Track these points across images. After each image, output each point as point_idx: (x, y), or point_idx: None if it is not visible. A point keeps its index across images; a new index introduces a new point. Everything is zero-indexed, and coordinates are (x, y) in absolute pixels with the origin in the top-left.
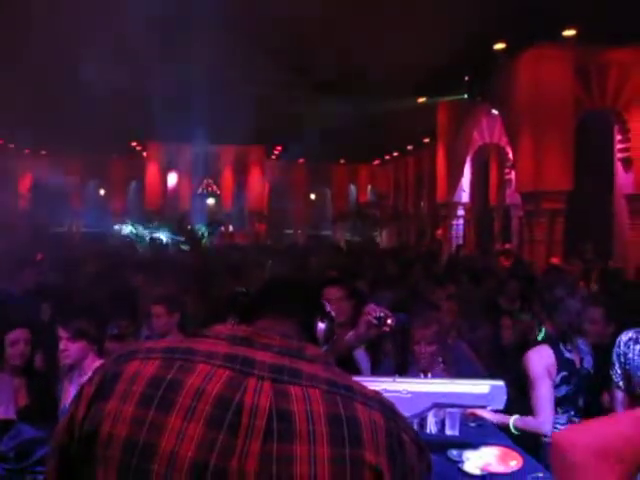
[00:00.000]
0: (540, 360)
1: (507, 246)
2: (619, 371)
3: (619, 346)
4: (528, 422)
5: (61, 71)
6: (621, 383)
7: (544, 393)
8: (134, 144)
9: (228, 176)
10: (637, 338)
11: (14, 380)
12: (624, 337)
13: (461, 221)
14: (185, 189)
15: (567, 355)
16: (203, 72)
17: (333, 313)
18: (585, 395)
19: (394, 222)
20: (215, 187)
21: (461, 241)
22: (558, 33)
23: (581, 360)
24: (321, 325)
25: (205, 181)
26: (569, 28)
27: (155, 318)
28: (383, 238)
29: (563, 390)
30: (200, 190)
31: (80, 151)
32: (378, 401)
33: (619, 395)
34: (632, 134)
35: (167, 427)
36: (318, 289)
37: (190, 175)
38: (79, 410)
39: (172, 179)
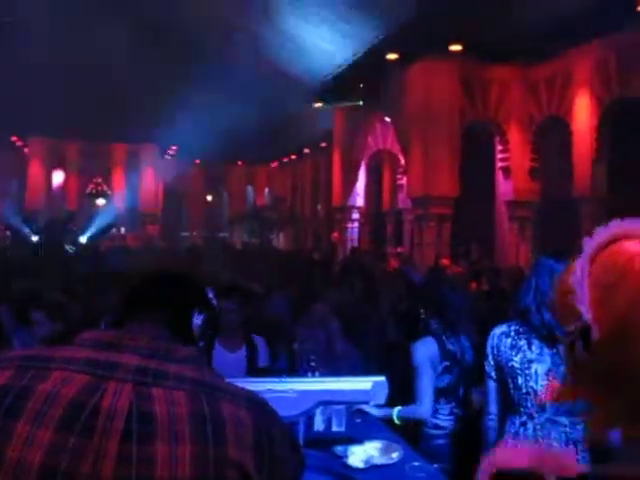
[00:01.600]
0: (424, 350)
1: (399, 249)
2: (492, 362)
3: (492, 339)
4: (410, 410)
5: None
6: (493, 374)
7: (426, 381)
8: (14, 139)
9: (119, 176)
10: (509, 332)
11: None
12: (497, 330)
13: (356, 224)
14: (72, 188)
15: (450, 347)
16: (91, 62)
17: (215, 303)
18: (465, 387)
19: (291, 225)
20: (105, 187)
21: (356, 244)
22: (445, 48)
23: (462, 354)
24: (197, 320)
25: (94, 180)
26: (455, 44)
27: (36, 325)
28: (280, 241)
29: (446, 379)
30: (89, 190)
31: None
32: (247, 399)
33: (491, 385)
34: (511, 145)
35: (14, 434)
36: (195, 284)
37: (78, 174)
38: None
39: (58, 178)
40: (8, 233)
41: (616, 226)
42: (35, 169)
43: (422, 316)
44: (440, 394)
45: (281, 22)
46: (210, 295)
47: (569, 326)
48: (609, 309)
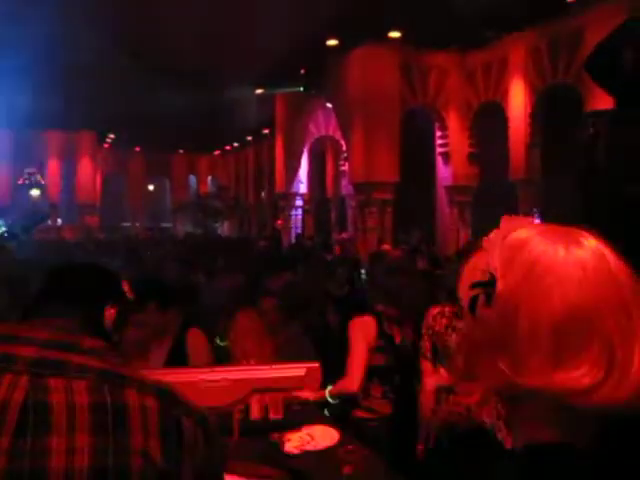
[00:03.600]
0: (361, 327)
1: (343, 235)
2: (427, 344)
3: (427, 319)
4: (339, 384)
5: None
6: (428, 354)
7: (357, 355)
8: None
9: (54, 165)
10: (443, 312)
11: None
12: (433, 311)
13: (300, 211)
14: (4, 179)
15: (386, 327)
16: (23, 43)
17: (129, 295)
18: (402, 373)
19: (235, 213)
20: (40, 177)
21: (300, 231)
22: (385, 34)
23: (403, 339)
24: (110, 312)
25: (27, 170)
26: (394, 30)
27: None
28: (225, 229)
29: (380, 360)
30: (22, 181)
31: None
32: (156, 388)
33: (427, 365)
34: (450, 132)
35: None
36: (106, 276)
37: (10, 164)
38: None
39: None
40: None
41: (506, 223)
42: None
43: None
44: (373, 373)
45: (221, 6)
46: (124, 288)
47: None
48: (514, 269)
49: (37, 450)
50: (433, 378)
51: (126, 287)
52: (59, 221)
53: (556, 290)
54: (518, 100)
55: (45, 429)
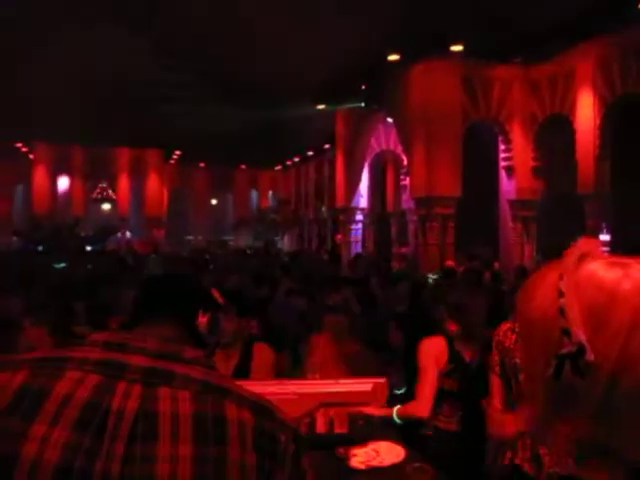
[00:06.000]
0: (430, 348)
1: (403, 250)
2: (496, 358)
3: (498, 334)
4: (408, 408)
5: None
6: (497, 369)
7: (427, 379)
8: (19, 145)
9: (124, 180)
10: (513, 328)
11: None
12: (503, 326)
13: (360, 226)
14: (78, 194)
15: (458, 349)
16: (96, 68)
17: (220, 301)
18: (470, 390)
19: (295, 227)
20: (111, 192)
21: (360, 245)
22: (446, 48)
23: (472, 357)
24: (202, 319)
25: (100, 185)
26: (456, 44)
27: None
28: (285, 243)
29: (451, 382)
30: (95, 195)
31: None
32: (252, 402)
33: (495, 381)
34: (513, 145)
35: (30, 435)
36: (199, 285)
37: (83, 179)
38: None
39: (63, 183)
40: (15, 239)
41: (581, 245)
42: (41, 175)
43: (435, 318)
44: (445, 396)
45: (282, 24)
46: (215, 295)
47: (546, 349)
48: (606, 333)
49: (146, 457)
50: (500, 397)
51: (216, 294)
52: (128, 234)
53: None
54: (586, 112)
55: (153, 437)
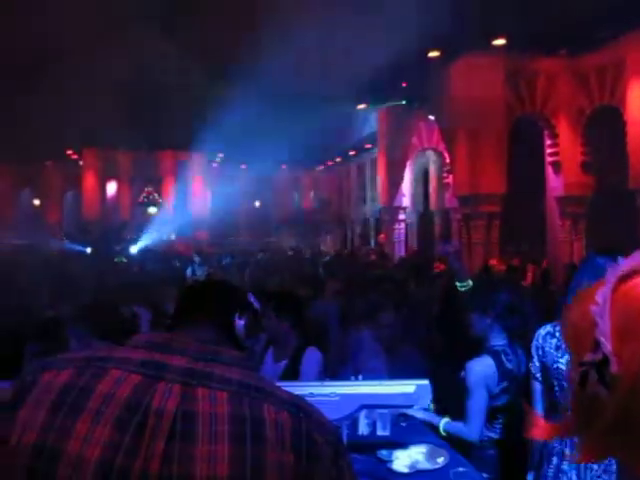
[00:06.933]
0: (480, 370)
1: (447, 248)
2: (537, 364)
3: (537, 339)
4: (458, 428)
5: None
6: (538, 375)
7: (478, 403)
8: (69, 152)
9: (169, 184)
10: (553, 332)
11: None
12: (542, 331)
13: (402, 225)
14: (125, 198)
15: (508, 365)
16: (143, 74)
17: (257, 305)
18: (514, 396)
19: (338, 227)
20: (156, 195)
21: (403, 245)
22: (489, 43)
23: (519, 366)
24: (240, 322)
25: (146, 189)
26: (499, 38)
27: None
28: (327, 243)
29: (503, 399)
30: (141, 199)
31: (12, 158)
32: (290, 403)
33: (537, 386)
34: (560, 139)
35: (74, 432)
36: (237, 289)
37: (130, 183)
38: None
39: (111, 188)
40: (66, 242)
41: (634, 260)
42: (90, 180)
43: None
44: (497, 411)
45: (322, 23)
46: (251, 299)
47: (582, 356)
48: (632, 345)
49: (184, 456)
50: (542, 403)
51: (252, 298)
52: (172, 236)
53: None
54: (638, 103)
55: (191, 437)
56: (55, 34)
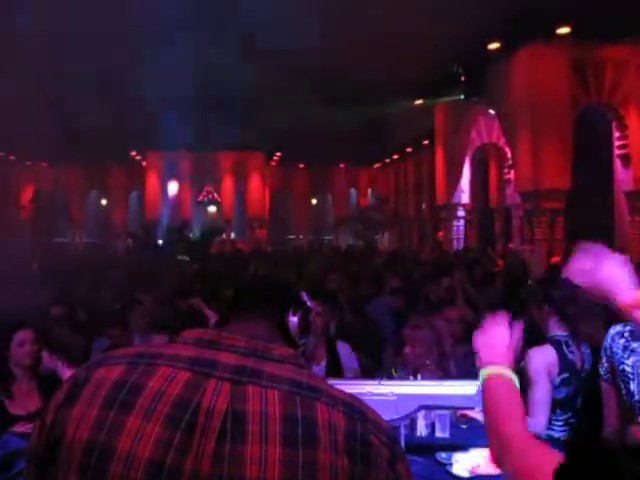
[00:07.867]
0: (542, 360)
1: (510, 246)
2: (605, 364)
3: (607, 340)
4: None
5: (61, 82)
6: (607, 376)
7: (541, 394)
8: (133, 154)
9: (228, 183)
10: (623, 332)
11: (24, 383)
12: (612, 331)
13: (462, 222)
14: (186, 197)
15: (570, 356)
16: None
17: (309, 303)
18: (583, 396)
19: (395, 225)
20: (216, 194)
21: (462, 242)
22: (552, 31)
23: (582, 361)
24: (293, 319)
25: (206, 188)
26: (563, 26)
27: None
28: (385, 241)
29: (563, 392)
30: (201, 198)
31: (81, 162)
32: (345, 403)
33: (606, 388)
34: (630, 131)
35: (126, 428)
36: (290, 284)
37: (190, 183)
38: (48, 416)
39: (173, 188)
40: (130, 241)
41: None
42: (152, 181)
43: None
44: (557, 405)
45: (378, 19)
46: (304, 297)
47: None
48: None
49: (234, 457)
50: (611, 406)
51: (305, 296)
52: (232, 235)
53: None
54: None
55: (241, 437)
56: (123, 43)
